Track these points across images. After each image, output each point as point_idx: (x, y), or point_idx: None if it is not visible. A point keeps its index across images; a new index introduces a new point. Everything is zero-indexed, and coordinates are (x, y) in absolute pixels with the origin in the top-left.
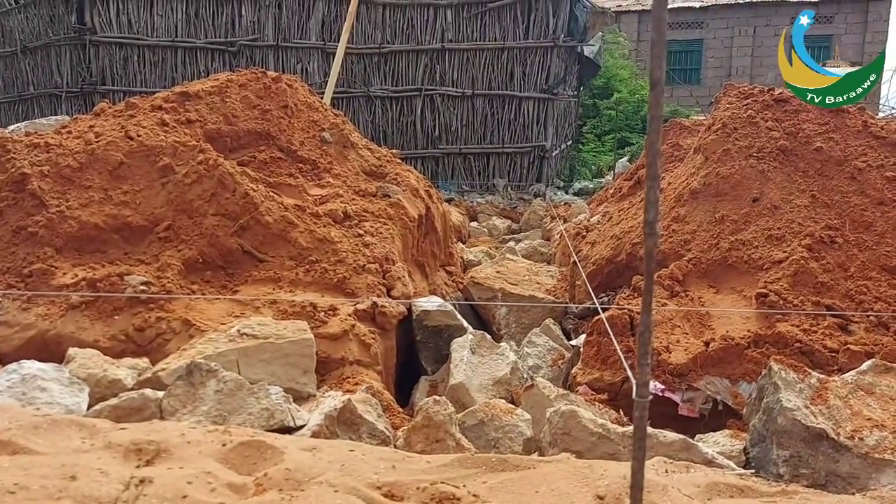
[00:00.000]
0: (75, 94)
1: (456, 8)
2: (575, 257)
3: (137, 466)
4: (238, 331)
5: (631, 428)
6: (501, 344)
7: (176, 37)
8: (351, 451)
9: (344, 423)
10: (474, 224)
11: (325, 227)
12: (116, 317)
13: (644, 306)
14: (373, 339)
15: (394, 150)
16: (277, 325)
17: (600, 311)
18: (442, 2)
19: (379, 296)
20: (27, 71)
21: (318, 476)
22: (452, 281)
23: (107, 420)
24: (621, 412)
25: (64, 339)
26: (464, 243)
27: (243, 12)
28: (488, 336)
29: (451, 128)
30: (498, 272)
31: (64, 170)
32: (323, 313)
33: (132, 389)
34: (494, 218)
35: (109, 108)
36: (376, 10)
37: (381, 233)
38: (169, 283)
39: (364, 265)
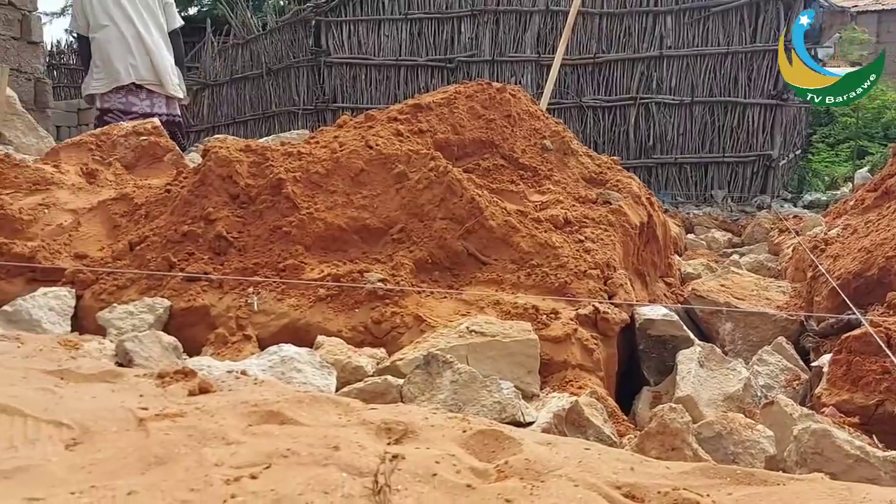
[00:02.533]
0: (310, 112)
1: (676, 14)
2: (822, 268)
3: (388, 443)
4: (467, 328)
5: (894, 453)
6: (732, 359)
7: (400, 56)
8: (587, 449)
9: (571, 424)
10: (691, 236)
11: (546, 232)
12: (356, 310)
13: None
14: (595, 344)
15: (614, 158)
16: (503, 324)
17: (864, 323)
18: (662, 8)
19: (600, 302)
20: (270, 91)
21: (556, 469)
22: (672, 293)
23: (357, 400)
24: (874, 438)
25: (312, 328)
26: (680, 256)
27: (462, 29)
28: (718, 349)
29: (667, 137)
30: (722, 285)
31: (313, 176)
32: (545, 316)
33: (372, 376)
34: (713, 230)
35: (350, 120)
36: (592, 20)
37: (601, 239)
38: (402, 281)
39: (585, 271)
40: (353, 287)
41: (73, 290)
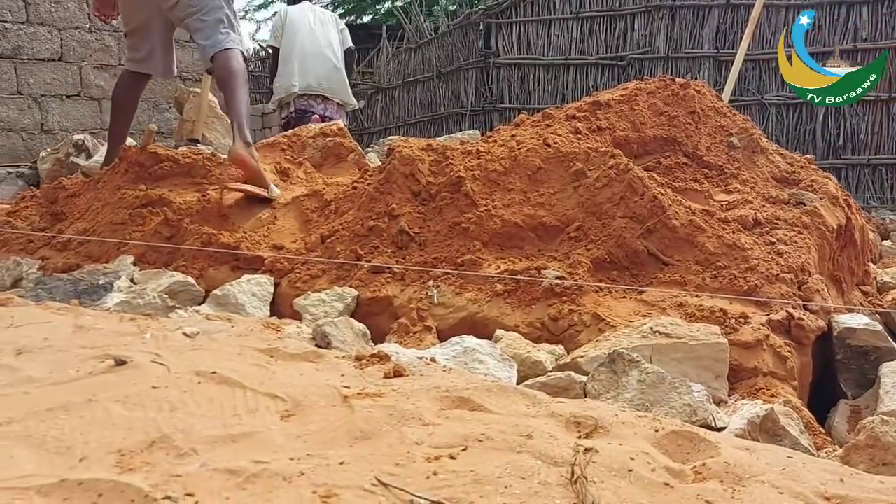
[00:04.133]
0: (477, 113)
1: (874, 4)
2: None
3: (579, 437)
4: (651, 328)
5: None
6: None
7: (569, 55)
8: (789, 457)
9: (765, 433)
10: (887, 243)
11: (733, 233)
12: (534, 306)
13: None
14: (789, 352)
15: (807, 157)
16: (689, 326)
17: None
18: None
19: (794, 308)
20: (440, 93)
21: (758, 475)
22: (869, 302)
23: (542, 392)
24: None
25: (489, 321)
26: (874, 263)
27: (636, 26)
28: None
29: (860, 136)
30: None
31: (491, 174)
32: (734, 320)
33: (552, 371)
34: None
35: (528, 118)
36: (778, 12)
37: (795, 242)
38: (579, 279)
39: (777, 274)
40: (531, 283)
41: (272, 278)
